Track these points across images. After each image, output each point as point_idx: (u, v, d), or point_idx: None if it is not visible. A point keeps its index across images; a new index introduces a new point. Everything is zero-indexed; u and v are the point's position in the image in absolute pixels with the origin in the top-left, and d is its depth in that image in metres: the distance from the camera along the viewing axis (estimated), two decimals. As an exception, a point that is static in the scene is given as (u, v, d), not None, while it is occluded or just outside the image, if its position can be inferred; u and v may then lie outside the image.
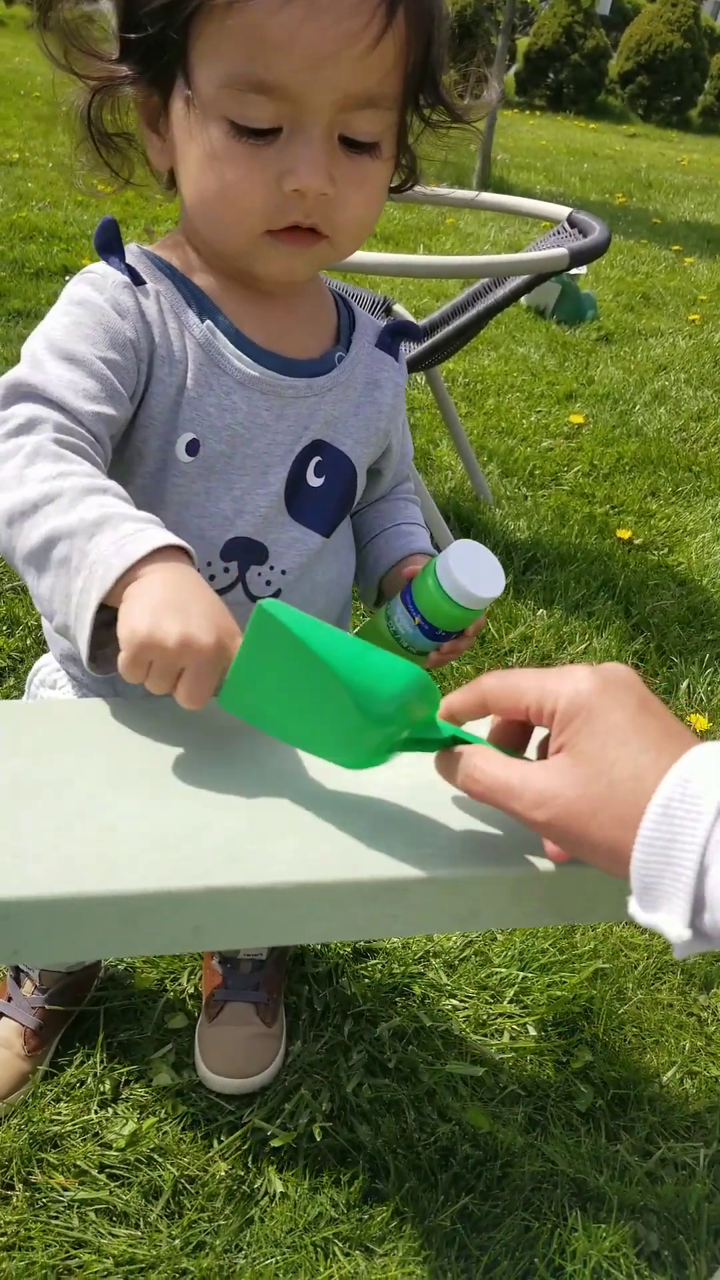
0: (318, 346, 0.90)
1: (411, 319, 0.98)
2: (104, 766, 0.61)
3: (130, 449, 0.85)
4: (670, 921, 0.45)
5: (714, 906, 0.43)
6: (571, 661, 2.12)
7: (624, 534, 2.66)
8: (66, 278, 3.72)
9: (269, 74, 0.69)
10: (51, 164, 5.21)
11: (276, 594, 0.91)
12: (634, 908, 0.47)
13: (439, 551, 0.88)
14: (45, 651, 1.05)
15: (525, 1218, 1.17)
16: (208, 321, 0.83)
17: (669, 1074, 1.38)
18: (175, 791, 0.60)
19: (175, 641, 0.59)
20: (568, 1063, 1.36)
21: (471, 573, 0.83)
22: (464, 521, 2.59)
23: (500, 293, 2.30)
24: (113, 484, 0.70)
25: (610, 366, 3.85)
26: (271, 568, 0.90)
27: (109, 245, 0.82)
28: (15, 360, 0.77)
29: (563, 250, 2.08)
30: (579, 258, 2.09)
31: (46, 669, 1.03)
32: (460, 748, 0.57)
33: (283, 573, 0.90)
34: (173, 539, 0.65)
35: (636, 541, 2.65)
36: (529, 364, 3.74)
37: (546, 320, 4.24)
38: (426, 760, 0.64)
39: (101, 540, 0.64)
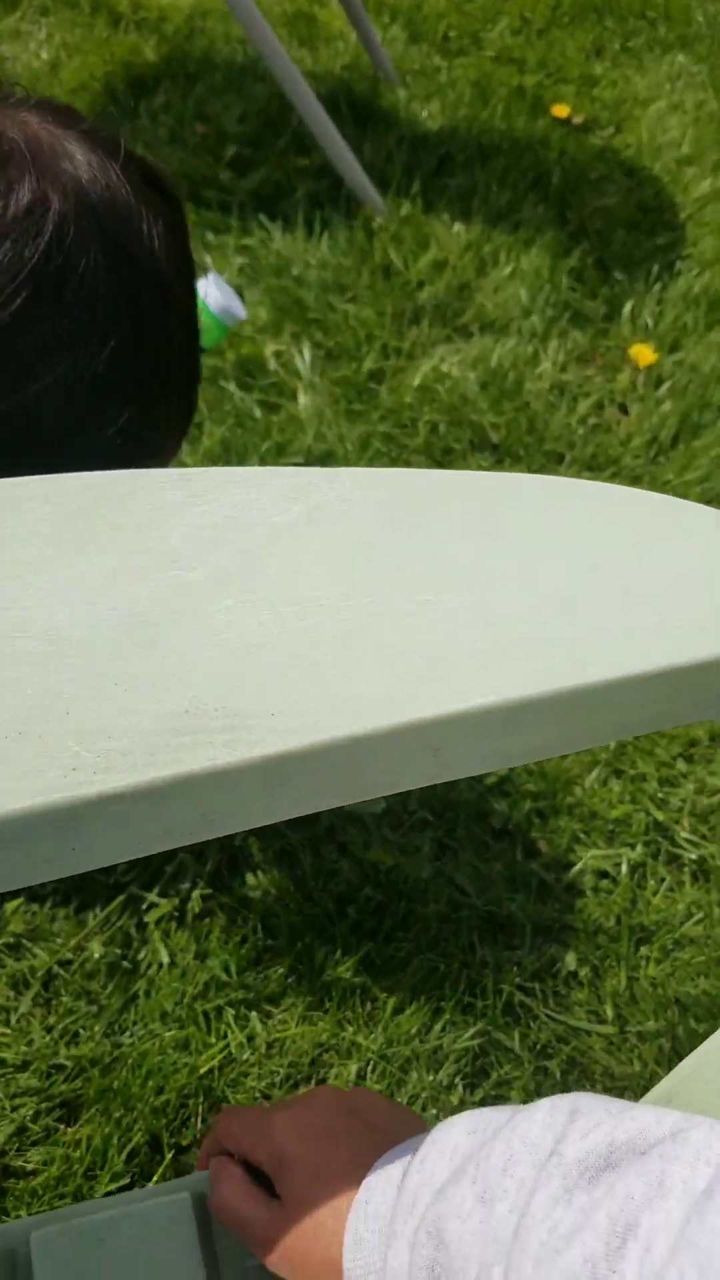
0: None
1: None
2: None
3: None
4: None
5: None
6: (496, 291, 1.79)
7: (561, 111, 2.18)
8: None
9: None
10: None
11: None
12: None
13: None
14: None
15: (432, 959, 1.10)
16: None
17: (591, 776, 1.27)
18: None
19: None
20: (481, 778, 1.24)
21: (230, 297, 0.84)
22: (360, 110, 2.09)
23: None
24: None
25: None
26: None
27: None
28: None
29: None
30: None
31: None
32: (222, 1162, 0.54)
33: None
34: None
35: (576, 120, 2.19)
36: None
37: None
38: (366, 598, 0.43)
39: None
